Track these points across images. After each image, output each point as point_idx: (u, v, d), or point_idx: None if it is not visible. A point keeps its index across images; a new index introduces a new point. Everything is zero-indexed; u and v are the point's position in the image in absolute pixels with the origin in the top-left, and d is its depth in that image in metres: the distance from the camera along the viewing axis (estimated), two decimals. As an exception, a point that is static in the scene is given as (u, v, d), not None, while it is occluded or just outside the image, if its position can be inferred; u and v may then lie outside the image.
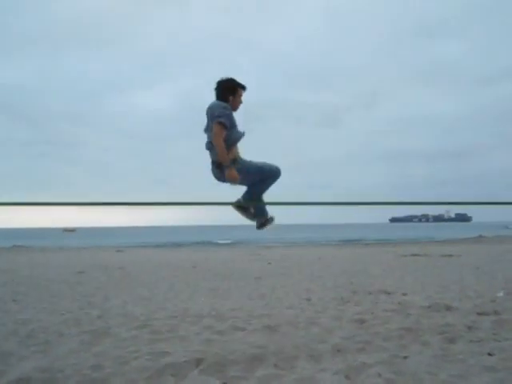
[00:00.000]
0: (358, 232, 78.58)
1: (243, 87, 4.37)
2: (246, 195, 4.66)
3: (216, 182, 4.61)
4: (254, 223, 4.87)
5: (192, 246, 42.34)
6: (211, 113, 4.19)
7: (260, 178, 4.47)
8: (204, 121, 4.39)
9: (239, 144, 4.38)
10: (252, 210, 4.77)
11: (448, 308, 6.55)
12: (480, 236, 45.29)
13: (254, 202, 4.65)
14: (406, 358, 4.33)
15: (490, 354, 4.35)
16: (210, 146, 4.31)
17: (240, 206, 4.67)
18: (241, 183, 4.49)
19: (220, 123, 4.09)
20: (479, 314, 6.09)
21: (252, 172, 4.43)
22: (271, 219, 4.83)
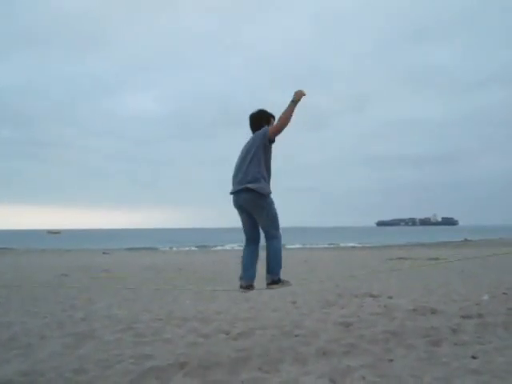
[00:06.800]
0: (344, 235, 78.82)
1: (273, 116, 4.82)
2: (270, 267, 4.74)
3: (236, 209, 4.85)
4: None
5: (179, 248, 42.16)
6: (262, 135, 4.63)
7: (272, 226, 4.71)
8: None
9: None
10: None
11: (433, 311, 6.58)
12: (465, 240, 45.70)
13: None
14: (390, 361, 4.34)
15: (473, 357, 4.38)
16: (253, 178, 4.60)
17: (274, 281, 4.75)
18: (259, 218, 4.72)
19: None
20: (464, 317, 6.12)
21: (274, 214, 4.72)
22: (287, 282, 4.85)
